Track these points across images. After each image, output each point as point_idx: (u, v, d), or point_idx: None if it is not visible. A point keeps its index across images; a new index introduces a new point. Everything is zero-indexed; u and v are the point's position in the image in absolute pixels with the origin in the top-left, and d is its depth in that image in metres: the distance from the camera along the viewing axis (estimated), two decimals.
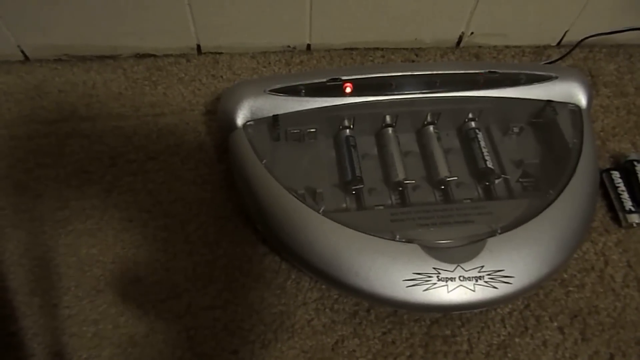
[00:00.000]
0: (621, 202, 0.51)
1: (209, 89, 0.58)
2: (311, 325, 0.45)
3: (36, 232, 0.48)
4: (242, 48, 0.61)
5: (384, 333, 0.44)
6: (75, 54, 0.60)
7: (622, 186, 0.51)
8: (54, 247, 0.47)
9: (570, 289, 0.47)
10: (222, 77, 0.59)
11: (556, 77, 0.51)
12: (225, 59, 0.61)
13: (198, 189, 0.51)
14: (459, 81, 0.50)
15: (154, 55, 0.61)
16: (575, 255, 0.49)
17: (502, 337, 0.45)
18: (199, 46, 0.60)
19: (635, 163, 0.52)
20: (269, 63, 0.61)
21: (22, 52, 0.59)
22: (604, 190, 0.53)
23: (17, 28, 0.56)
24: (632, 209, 0.50)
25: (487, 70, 0.50)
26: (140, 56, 0.60)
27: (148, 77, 0.59)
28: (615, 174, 0.52)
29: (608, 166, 0.54)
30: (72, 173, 0.52)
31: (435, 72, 0.50)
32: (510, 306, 0.46)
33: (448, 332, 0.45)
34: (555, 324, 0.45)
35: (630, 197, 0.51)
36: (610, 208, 0.52)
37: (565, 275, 0.48)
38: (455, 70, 0.51)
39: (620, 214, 0.50)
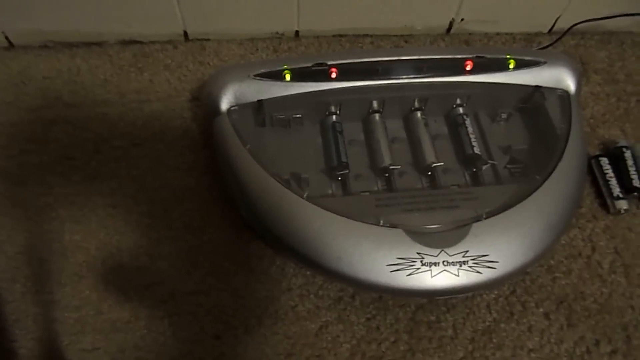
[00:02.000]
0: (609, 189, 0.50)
1: (195, 76, 0.57)
2: (295, 311, 0.44)
3: (19, 218, 0.48)
4: (230, 34, 0.61)
5: (368, 319, 0.44)
6: (61, 40, 0.59)
7: (610, 172, 0.51)
8: (37, 233, 0.47)
9: (557, 275, 0.47)
10: (209, 63, 0.59)
11: (544, 62, 0.50)
12: (212, 46, 0.60)
13: (183, 175, 0.51)
14: (447, 66, 0.50)
15: (141, 42, 0.60)
16: (563, 242, 0.49)
17: (487, 323, 0.45)
18: (185, 32, 0.60)
19: (624, 149, 0.52)
20: (257, 50, 0.60)
21: (7, 38, 0.58)
22: (593, 177, 0.52)
23: (1, 14, 0.55)
24: (620, 195, 0.50)
25: (475, 55, 0.50)
26: (127, 43, 0.60)
27: (134, 63, 0.58)
28: (604, 161, 0.52)
29: (597, 152, 0.54)
30: (56, 159, 0.51)
31: (422, 57, 0.49)
32: (495, 292, 0.46)
33: (433, 318, 0.44)
34: (541, 309, 0.45)
35: (618, 183, 0.50)
36: (599, 194, 0.51)
37: (552, 262, 0.48)
38: (442, 55, 0.50)
39: (609, 200, 0.50)
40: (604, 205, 0.51)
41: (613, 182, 0.50)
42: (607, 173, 0.51)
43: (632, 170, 0.51)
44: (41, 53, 0.58)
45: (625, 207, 0.49)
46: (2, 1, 0.54)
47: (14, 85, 0.56)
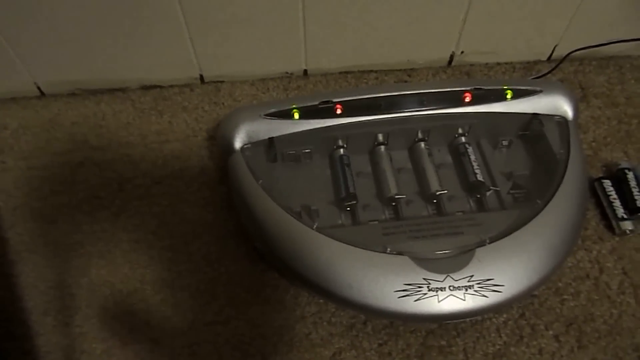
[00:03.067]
0: (614, 210, 0.51)
1: (211, 116, 0.61)
2: (309, 339, 0.46)
3: (50, 256, 0.51)
4: (242, 76, 0.65)
5: (380, 344, 0.46)
6: (87, 87, 0.64)
7: (614, 194, 0.52)
8: (67, 269, 0.50)
9: (565, 297, 0.48)
10: (223, 104, 0.62)
11: (541, 91, 0.52)
12: (226, 87, 0.64)
13: (201, 210, 0.54)
14: (447, 98, 0.52)
15: (160, 87, 0.64)
16: (570, 264, 0.50)
17: (497, 347, 0.45)
18: (201, 76, 0.64)
19: (627, 171, 0.53)
20: (268, 89, 0.64)
21: (38, 88, 0.63)
22: (597, 199, 0.53)
23: (33, 66, 0.60)
24: (625, 216, 0.51)
25: (473, 87, 0.52)
26: (147, 87, 0.64)
27: (154, 106, 0.62)
28: (607, 183, 0.53)
29: (600, 175, 0.55)
30: (83, 199, 0.55)
31: (423, 91, 0.52)
32: (505, 315, 0.47)
33: (444, 343, 0.46)
34: (551, 332, 0.46)
35: (622, 204, 0.51)
36: (604, 216, 0.52)
37: (560, 284, 0.48)
38: (442, 88, 0.53)
39: (614, 222, 0.51)
40: (610, 227, 0.52)
41: (617, 203, 0.52)
42: (610, 195, 0.52)
43: (635, 192, 0.52)
44: (69, 100, 0.63)
45: (630, 228, 0.50)
46: (34, 54, 0.59)
47: (45, 131, 0.60)
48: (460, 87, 0.52)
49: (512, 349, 0.45)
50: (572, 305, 0.47)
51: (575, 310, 0.47)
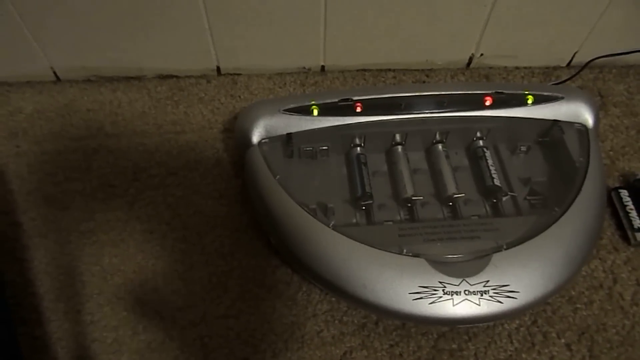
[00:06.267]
0: (630, 221, 0.51)
1: (227, 108, 0.61)
2: (320, 337, 0.46)
3: (63, 242, 0.51)
4: (260, 69, 0.64)
5: (391, 345, 0.46)
6: (103, 75, 0.63)
7: (630, 204, 0.52)
8: (79, 256, 0.50)
9: (578, 306, 0.48)
10: (240, 97, 0.62)
11: (562, 98, 0.52)
12: (243, 80, 0.64)
13: (215, 203, 0.53)
14: (467, 101, 0.52)
15: (177, 77, 0.64)
16: (584, 273, 0.49)
17: (508, 353, 0.45)
18: (218, 68, 0.64)
19: None
20: (285, 84, 0.63)
21: (54, 73, 0.63)
22: (613, 209, 0.53)
23: (50, 50, 0.60)
24: None
25: (494, 91, 0.52)
26: (164, 77, 0.64)
27: (170, 96, 0.62)
28: (624, 193, 0.53)
29: (617, 185, 0.55)
30: (97, 187, 0.55)
31: (443, 93, 0.52)
32: (517, 322, 0.47)
33: (455, 346, 0.46)
34: (563, 340, 0.46)
35: (638, 215, 0.51)
36: (619, 226, 0.52)
37: (573, 293, 0.48)
38: (463, 90, 0.52)
39: (629, 232, 0.51)
40: (625, 237, 0.51)
41: (633, 214, 0.51)
42: (627, 205, 0.52)
43: None
44: (85, 87, 0.63)
45: None
46: (51, 39, 0.59)
47: (60, 117, 0.60)
48: (482, 90, 0.52)
49: (524, 355, 0.45)
50: (585, 314, 0.47)
51: (588, 320, 0.47)
